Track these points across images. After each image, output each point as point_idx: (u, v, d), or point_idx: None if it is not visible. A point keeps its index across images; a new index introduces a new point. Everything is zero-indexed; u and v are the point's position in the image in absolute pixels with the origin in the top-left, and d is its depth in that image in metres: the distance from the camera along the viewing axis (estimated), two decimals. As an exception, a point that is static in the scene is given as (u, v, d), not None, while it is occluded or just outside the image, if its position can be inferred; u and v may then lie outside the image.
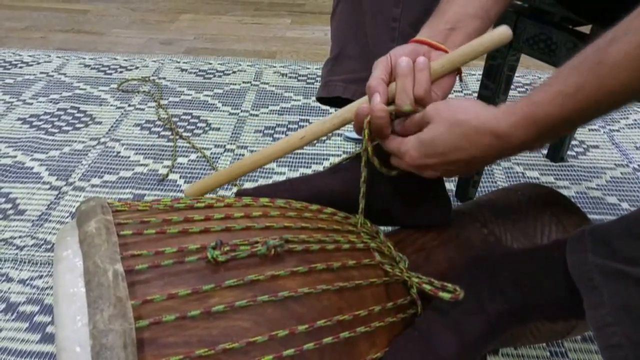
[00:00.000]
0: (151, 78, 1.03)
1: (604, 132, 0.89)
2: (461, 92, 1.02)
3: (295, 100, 0.97)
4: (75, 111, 0.92)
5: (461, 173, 0.36)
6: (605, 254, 0.30)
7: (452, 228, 0.44)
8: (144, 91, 0.98)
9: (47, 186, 0.74)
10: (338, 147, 0.84)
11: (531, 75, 1.08)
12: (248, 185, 0.75)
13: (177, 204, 0.34)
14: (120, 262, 0.28)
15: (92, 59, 1.12)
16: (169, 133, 0.86)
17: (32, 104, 0.94)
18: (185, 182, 0.75)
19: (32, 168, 0.77)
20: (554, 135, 0.31)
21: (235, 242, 0.31)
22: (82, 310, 0.26)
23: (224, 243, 0.30)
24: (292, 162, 0.80)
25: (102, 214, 0.31)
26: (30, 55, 1.13)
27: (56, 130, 0.87)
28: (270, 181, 0.76)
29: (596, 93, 0.28)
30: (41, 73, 1.05)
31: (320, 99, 0.52)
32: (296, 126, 0.89)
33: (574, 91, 0.28)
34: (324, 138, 0.86)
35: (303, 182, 0.42)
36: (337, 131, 0.88)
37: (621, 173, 0.78)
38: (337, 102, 0.50)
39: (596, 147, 0.85)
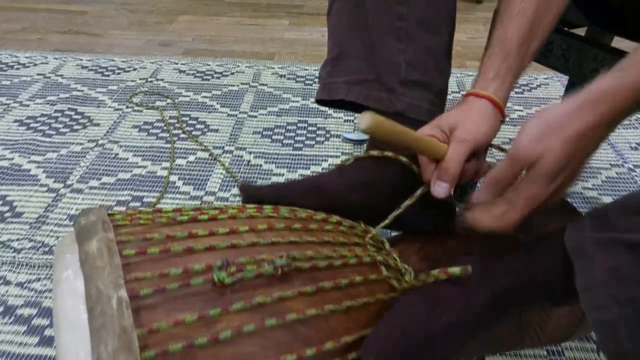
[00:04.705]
0: (148, 79, 1.03)
1: (600, 132, 0.89)
2: (458, 92, 1.02)
3: (293, 101, 0.98)
4: (72, 113, 0.92)
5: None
6: (601, 228, 0.30)
7: (456, 238, 0.43)
8: (158, 106, 0.95)
9: (45, 188, 0.73)
10: (337, 148, 0.84)
11: (528, 76, 1.08)
12: (246, 186, 0.75)
13: (180, 216, 0.33)
14: (124, 287, 0.27)
15: (89, 60, 1.12)
16: (167, 135, 0.86)
17: (28, 105, 0.94)
18: (184, 183, 0.75)
19: (29, 170, 0.77)
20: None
21: (241, 261, 0.30)
22: (84, 339, 0.25)
23: (230, 263, 0.29)
24: (291, 164, 0.80)
25: (104, 231, 0.29)
26: (27, 57, 1.12)
27: (53, 132, 0.86)
28: (269, 182, 0.76)
29: None
30: (38, 75, 1.05)
31: (321, 101, 0.50)
32: (295, 127, 0.89)
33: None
34: (322, 139, 0.86)
35: (314, 186, 0.40)
36: (336, 132, 0.88)
37: (616, 173, 0.79)
38: (339, 104, 0.48)
39: (592, 147, 0.86)
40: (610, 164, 0.81)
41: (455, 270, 0.33)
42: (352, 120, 0.91)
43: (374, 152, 0.40)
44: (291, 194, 0.39)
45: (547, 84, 1.05)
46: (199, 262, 0.29)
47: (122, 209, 0.70)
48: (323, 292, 0.31)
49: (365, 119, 0.32)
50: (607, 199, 0.73)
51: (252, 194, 0.39)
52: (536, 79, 1.08)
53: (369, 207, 0.40)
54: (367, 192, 0.40)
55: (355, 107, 0.47)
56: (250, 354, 0.28)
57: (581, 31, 0.66)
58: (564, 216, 0.44)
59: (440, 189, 0.36)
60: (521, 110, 0.96)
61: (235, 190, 0.74)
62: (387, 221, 0.39)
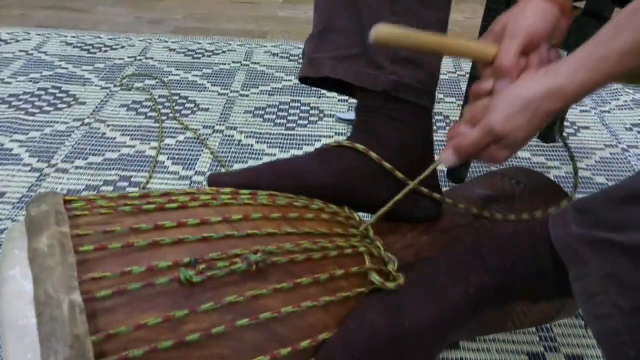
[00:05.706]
0: (137, 58, 1.00)
1: (595, 113, 0.89)
2: (455, 72, 1.00)
3: (286, 80, 0.95)
4: (57, 91, 0.89)
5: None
6: (589, 224, 0.29)
7: (442, 222, 0.42)
8: (143, 88, 0.94)
9: (28, 168, 0.71)
10: (330, 128, 0.83)
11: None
12: (238, 167, 0.74)
13: (147, 204, 0.30)
14: (78, 289, 0.24)
15: (74, 37, 1.08)
16: (157, 114, 0.84)
17: (11, 83, 0.91)
18: (173, 163, 0.74)
19: (12, 150, 0.75)
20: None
21: (212, 257, 0.27)
22: (33, 346, 0.23)
23: (199, 260, 0.27)
24: (283, 144, 0.79)
25: (57, 225, 0.26)
26: (8, 33, 1.08)
27: (37, 111, 0.84)
28: (261, 162, 0.74)
29: None
30: (20, 51, 1.01)
31: (304, 79, 0.44)
32: (287, 107, 0.87)
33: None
34: (315, 119, 0.84)
35: (289, 172, 0.38)
36: (329, 112, 0.87)
37: (610, 154, 0.79)
38: (324, 83, 0.44)
39: (587, 128, 0.85)
40: (605, 145, 0.81)
41: (391, 285, 0.32)
42: (347, 100, 0.89)
43: (345, 143, 0.40)
44: (269, 177, 0.37)
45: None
46: (165, 259, 0.27)
47: (110, 189, 0.68)
48: (301, 288, 0.29)
49: (374, 32, 0.33)
50: (601, 180, 0.73)
51: (226, 185, 0.36)
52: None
53: (350, 193, 0.39)
54: (349, 178, 0.39)
55: (342, 86, 0.44)
56: (220, 357, 0.26)
57: (580, 6, 0.64)
58: (548, 198, 0.43)
59: (503, 86, 0.35)
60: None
61: (226, 171, 0.72)
62: (386, 208, 0.38)
